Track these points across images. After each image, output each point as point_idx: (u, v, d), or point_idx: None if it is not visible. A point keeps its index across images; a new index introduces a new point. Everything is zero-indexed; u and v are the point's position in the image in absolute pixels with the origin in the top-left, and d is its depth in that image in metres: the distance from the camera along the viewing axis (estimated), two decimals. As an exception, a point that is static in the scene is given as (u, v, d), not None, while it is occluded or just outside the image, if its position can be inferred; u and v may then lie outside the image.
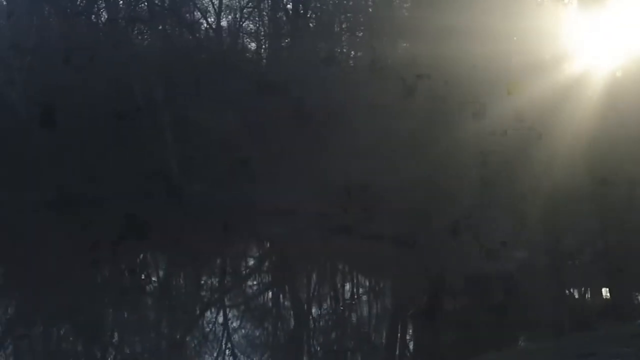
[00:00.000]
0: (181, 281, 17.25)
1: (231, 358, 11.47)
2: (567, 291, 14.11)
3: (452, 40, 17.23)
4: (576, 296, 13.85)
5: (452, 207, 16.24)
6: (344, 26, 31.65)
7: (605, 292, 13.95)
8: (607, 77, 16.62)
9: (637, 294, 13.67)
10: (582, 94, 16.38)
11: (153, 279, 16.41)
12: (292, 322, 13.46)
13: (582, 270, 14.29)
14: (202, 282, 16.76)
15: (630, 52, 16.46)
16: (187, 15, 33.73)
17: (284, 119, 23.72)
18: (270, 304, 14.76)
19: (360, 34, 30.05)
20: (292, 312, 14.16)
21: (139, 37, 32.49)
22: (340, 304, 14.39)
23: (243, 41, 35.83)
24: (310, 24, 32.25)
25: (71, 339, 12.40)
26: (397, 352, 11.85)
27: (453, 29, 17.33)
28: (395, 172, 17.90)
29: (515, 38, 17.34)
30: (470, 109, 15.81)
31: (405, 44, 23.06)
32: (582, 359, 9.17)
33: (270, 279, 17.36)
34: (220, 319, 13.08)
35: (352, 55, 30.98)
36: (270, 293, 15.63)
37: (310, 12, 32.44)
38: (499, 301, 13.12)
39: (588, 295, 13.82)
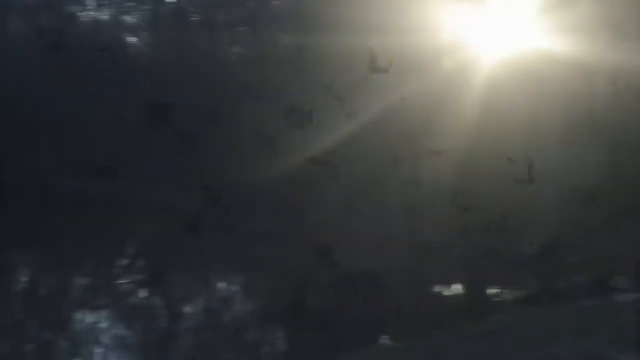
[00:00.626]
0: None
1: None
2: (429, 288, 14.00)
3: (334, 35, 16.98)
4: (438, 293, 13.76)
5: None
6: (224, 20, 31.22)
7: (464, 288, 13.92)
8: (490, 70, 16.62)
9: (493, 289, 13.68)
10: (463, 88, 16.30)
11: None
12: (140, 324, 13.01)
13: (444, 267, 14.21)
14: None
15: (512, 46, 16.49)
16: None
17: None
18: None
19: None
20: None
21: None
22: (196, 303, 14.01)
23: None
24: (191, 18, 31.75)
25: None
26: (256, 353, 11.57)
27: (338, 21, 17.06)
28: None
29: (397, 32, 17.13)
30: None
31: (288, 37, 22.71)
32: (437, 357, 9.06)
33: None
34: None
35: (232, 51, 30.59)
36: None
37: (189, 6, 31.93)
38: (363, 300, 12.96)
39: (449, 292, 13.76)
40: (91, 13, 21.96)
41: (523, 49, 15.81)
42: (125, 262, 16.95)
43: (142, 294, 14.67)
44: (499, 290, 13.67)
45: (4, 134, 17.67)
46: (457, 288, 13.87)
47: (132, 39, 21.81)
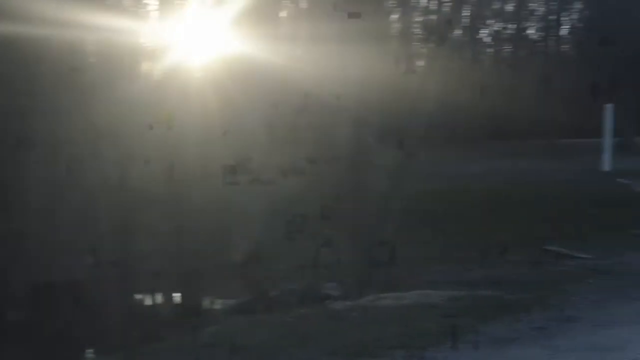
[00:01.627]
0: None
1: None
2: (138, 300, 13.27)
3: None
4: (149, 304, 13.06)
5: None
6: None
7: (179, 298, 13.31)
8: (191, 76, 16.37)
9: (210, 299, 13.18)
10: (163, 93, 15.88)
11: None
12: None
13: (156, 276, 13.55)
14: None
15: (212, 53, 16.36)
16: None
17: None
18: None
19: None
20: None
21: None
22: None
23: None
24: None
25: None
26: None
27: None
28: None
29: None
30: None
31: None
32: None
33: None
34: None
35: None
36: None
37: None
38: (65, 312, 12.05)
39: (161, 303, 13.11)
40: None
41: (227, 56, 15.79)
42: None
43: None
44: (212, 300, 13.18)
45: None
46: (168, 298, 13.25)
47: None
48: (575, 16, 42.66)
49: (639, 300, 10.64)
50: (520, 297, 10.87)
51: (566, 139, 35.86)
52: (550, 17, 42.26)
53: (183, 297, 13.12)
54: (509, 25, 41.15)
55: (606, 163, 28.68)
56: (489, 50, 42.01)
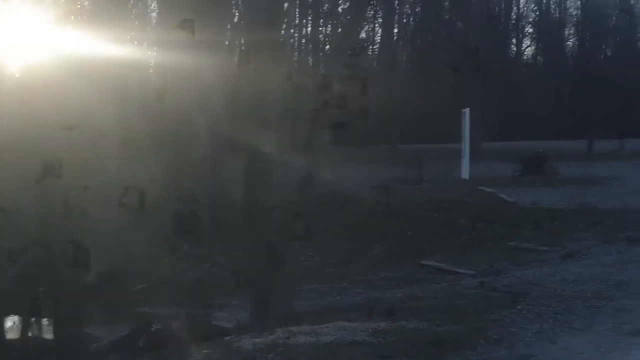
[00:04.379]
0: None
1: None
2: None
3: None
4: None
5: None
6: None
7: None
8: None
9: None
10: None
11: None
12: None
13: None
14: None
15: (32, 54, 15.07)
16: None
17: None
18: None
19: None
20: None
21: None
22: None
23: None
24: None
25: None
26: None
27: None
28: None
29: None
30: None
31: None
32: None
33: None
34: None
35: None
36: None
37: None
38: None
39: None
40: None
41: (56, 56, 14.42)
42: None
43: None
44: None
45: None
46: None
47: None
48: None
49: (585, 331, 9.36)
50: (450, 328, 9.41)
51: (418, 144, 35.17)
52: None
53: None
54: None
55: (465, 170, 27.77)
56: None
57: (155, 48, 15.92)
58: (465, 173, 27.68)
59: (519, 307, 10.46)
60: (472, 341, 8.80)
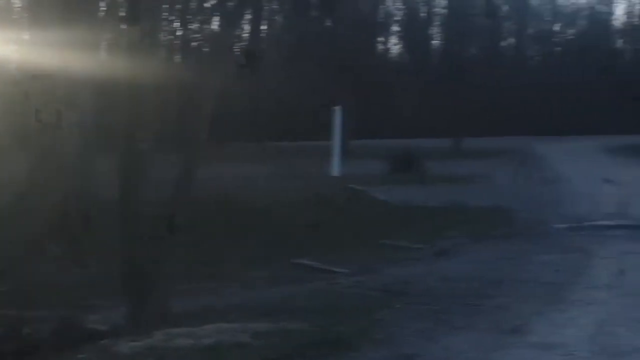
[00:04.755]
0: None
1: None
2: None
3: None
4: None
5: None
6: None
7: None
8: None
9: None
10: None
11: None
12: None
13: None
14: None
15: None
16: None
17: None
18: None
19: None
20: None
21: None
22: None
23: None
24: None
25: None
26: None
27: None
28: None
29: None
30: None
31: None
32: None
33: None
34: None
35: None
36: None
37: None
38: None
39: None
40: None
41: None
42: None
43: None
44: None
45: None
46: None
47: None
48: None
49: (465, 330, 9.41)
50: (333, 329, 9.31)
51: (286, 141, 35.06)
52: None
53: None
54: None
55: (335, 168, 27.80)
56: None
57: (20, 46, 15.54)
58: (335, 171, 27.71)
59: (398, 306, 10.45)
60: (356, 342, 8.70)
